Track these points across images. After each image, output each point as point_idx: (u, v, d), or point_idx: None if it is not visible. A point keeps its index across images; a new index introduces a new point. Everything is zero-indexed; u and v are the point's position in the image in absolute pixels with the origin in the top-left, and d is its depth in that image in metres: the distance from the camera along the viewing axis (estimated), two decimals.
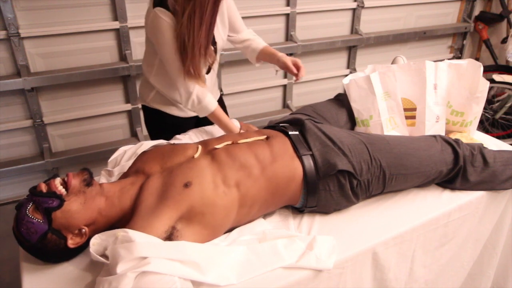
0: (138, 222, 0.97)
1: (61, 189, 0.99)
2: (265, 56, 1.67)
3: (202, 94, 1.42)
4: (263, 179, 1.12)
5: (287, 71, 1.61)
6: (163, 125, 1.63)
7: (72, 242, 1.00)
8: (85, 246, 1.03)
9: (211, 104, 1.45)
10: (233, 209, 1.07)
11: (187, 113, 1.61)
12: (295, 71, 1.57)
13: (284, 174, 1.15)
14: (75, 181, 1.01)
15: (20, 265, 1.05)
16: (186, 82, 1.39)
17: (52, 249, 0.99)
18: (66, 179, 1.01)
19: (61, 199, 0.97)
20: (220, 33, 1.53)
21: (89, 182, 1.03)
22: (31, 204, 0.97)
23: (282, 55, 1.61)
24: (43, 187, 0.99)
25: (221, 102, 1.75)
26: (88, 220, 1.01)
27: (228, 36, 1.61)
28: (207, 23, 1.31)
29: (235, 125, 1.51)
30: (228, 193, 1.06)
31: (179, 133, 1.57)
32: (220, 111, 1.48)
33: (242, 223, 1.14)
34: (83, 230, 1.01)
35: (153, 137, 1.69)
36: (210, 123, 1.60)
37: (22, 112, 2.28)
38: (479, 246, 1.45)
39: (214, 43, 1.49)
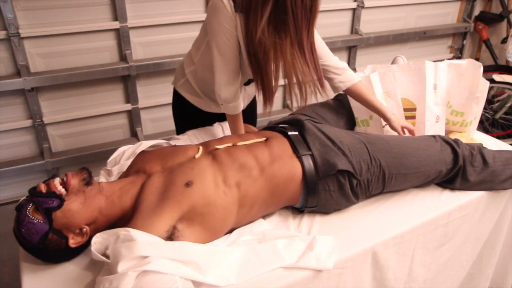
0: (139, 221, 0.97)
1: (60, 189, 0.99)
2: (361, 100, 1.50)
3: (235, 96, 1.40)
4: (262, 180, 1.12)
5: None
6: (185, 111, 1.63)
7: (73, 241, 1.00)
8: (86, 245, 1.03)
9: (235, 109, 1.43)
10: (233, 210, 1.08)
11: (210, 107, 1.59)
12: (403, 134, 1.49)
13: (283, 174, 1.16)
14: (74, 181, 1.01)
15: (20, 265, 1.05)
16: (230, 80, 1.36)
17: (53, 249, 0.99)
18: (65, 179, 1.01)
19: (61, 199, 0.98)
20: None
21: (88, 182, 1.03)
22: (31, 205, 0.97)
23: (393, 121, 1.48)
24: (43, 188, 0.99)
25: (254, 101, 1.72)
26: (88, 219, 1.01)
27: None
28: (310, 61, 1.27)
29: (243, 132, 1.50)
30: (229, 193, 1.07)
31: (198, 123, 1.59)
32: (239, 118, 1.46)
33: (242, 223, 1.14)
34: (84, 229, 1.01)
35: (176, 120, 1.70)
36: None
37: (22, 112, 2.28)
38: (478, 245, 1.45)
39: None
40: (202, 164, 1.10)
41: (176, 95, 1.63)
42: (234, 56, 1.33)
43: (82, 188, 1.01)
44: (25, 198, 1.01)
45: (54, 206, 0.96)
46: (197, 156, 1.15)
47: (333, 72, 1.47)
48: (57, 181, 1.01)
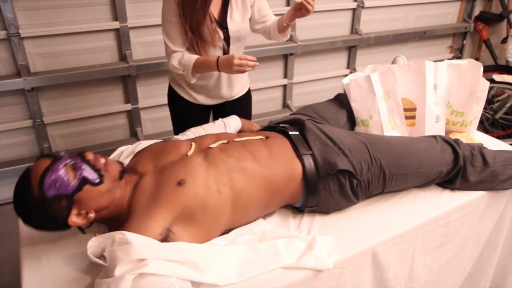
0: (133, 224, 0.97)
1: (103, 170, 0.99)
2: (280, 25, 1.66)
3: (182, 54, 1.54)
4: (260, 179, 1.11)
5: (298, 14, 1.53)
6: (176, 105, 1.77)
7: (73, 219, 0.98)
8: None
9: (190, 59, 1.52)
10: (226, 209, 1.06)
11: (196, 99, 1.70)
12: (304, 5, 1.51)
13: (283, 173, 1.15)
14: (112, 167, 1.02)
15: (20, 265, 1.05)
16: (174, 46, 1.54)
17: (50, 213, 0.95)
18: (104, 160, 1.01)
19: (101, 179, 0.98)
20: (235, 19, 1.57)
21: (122, 176, 1.04)
22: (71, 162, 0.96)
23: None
24: (92, 157, 0.98)
25: (248, 96, 1.82)
26: (100, 207, 1.01)
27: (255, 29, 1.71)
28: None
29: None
30: (222, 192, 1.05)
31: (190, 118, 1.71)
32: (200, 59, 1.52)
33: (241, 223, 1.13)
34: (90, 215, 1.00)
35: (172, 115, 1.82)
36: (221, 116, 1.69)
37: (22, 112, 2.28)
38: (478, 246, 1.45)
39: (225, 28, 1.55)
40: (194, 162, 1.09)
41: (169, 89, 1.77)
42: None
43: (117, 178, 1.02)
44: (69, 154, 0.99)
45: (92, 180, 0.96)
46: (189, 153, 1.13)
47: (266, 23, 1.70)
48: (103, 160, 1.01)
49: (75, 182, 0.94)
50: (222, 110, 1.76)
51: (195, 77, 1.57)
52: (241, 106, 1.78)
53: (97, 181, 0.97)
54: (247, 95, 1.82)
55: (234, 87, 1.73)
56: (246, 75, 1.78)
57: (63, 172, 0.93)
